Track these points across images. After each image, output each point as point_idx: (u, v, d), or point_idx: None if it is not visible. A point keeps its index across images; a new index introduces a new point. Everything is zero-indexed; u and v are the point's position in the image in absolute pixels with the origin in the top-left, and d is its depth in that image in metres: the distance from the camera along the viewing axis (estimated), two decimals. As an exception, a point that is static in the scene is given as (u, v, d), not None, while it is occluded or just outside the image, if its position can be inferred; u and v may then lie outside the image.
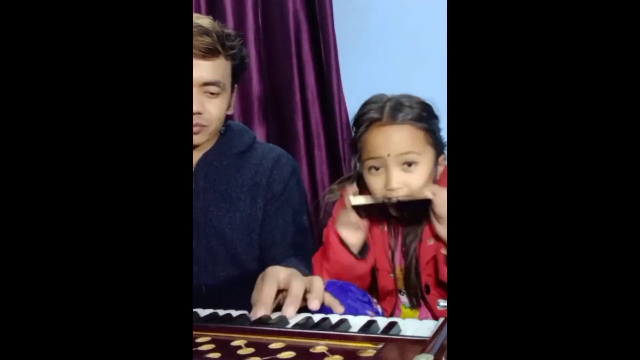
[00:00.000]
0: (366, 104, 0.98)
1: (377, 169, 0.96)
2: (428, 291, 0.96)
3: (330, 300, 0.74)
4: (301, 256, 1.00)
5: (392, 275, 1.00)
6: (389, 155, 0.93)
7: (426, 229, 0.95)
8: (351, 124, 1.02)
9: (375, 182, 0.96)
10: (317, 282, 0.72)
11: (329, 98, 1.60)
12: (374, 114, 0.96)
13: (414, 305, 1.00)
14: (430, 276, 0.95)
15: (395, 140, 0.94)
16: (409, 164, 0.94)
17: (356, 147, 1.00)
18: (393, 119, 0.94)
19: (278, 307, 0.73)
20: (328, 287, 0.89)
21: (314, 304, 0.68)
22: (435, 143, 0.97)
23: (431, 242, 0.94)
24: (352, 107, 1.63)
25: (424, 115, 0.96)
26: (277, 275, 0.73)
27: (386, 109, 0.95)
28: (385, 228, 1.01)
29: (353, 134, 1.02)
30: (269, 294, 0.69)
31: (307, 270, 0.96)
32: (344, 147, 1.63)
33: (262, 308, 0.68)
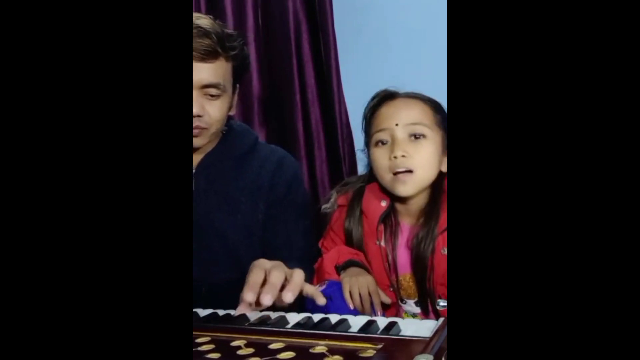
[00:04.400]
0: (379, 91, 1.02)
1: (384, 143, 0.95)
2: None
3: (312, 291, 0.75)
4: (303, 259, 0.99)
5: (391, 288, 0.97)
6: (397, 125, 0.93)
7: (440, 238, 0.92)
8: (364, 110, 1.02)
9: (381, 155, 0.95)
10: (297, 276, 0.73)
11: (329, 98, 1.60)
12: (389, 90, 0.99)
13: (426, 312, 0.98)
14: (443, 286, 0.93)
15: (405, 111, 0.94)
16: (417, 137, 0.93)
17: (366, 128, 1.00)
18: (406, 95, 0.98)
19: (275, 307, 0.73)
20: (329, 287, 0.90)
21: (287, 297, 0.69)
22: (444, 129, 0.97)
23: (445, 252, 0.91)
24: (352, 107, 1.64)
25: (434, 103, 0.98)
26: (263, 265, 0.75)
27: (401, 90, 0.99)
28: (382, 242, 0.98)
29: (364, 115, 1.02)
30: (256, 280, 0.71)
31: (309, 272, 0.96)
32: (344, 147, 1.62)
33: (249, 293, 0.70)
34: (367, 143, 1.00)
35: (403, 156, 0.92)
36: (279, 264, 0.75)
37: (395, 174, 0.93)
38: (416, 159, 0.92)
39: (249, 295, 0.69)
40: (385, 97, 0.98)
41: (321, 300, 0.75)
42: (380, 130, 0.95)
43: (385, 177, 0.95)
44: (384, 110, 0.97)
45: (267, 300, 0.68)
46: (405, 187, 0.93)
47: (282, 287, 0.72)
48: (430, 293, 0.94)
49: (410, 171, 0.92)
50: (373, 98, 1.00)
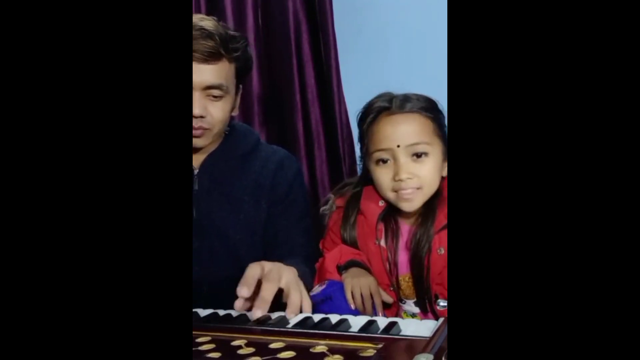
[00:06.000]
0: (373, 98, 0.99)
1: (384, 161, 0.94)
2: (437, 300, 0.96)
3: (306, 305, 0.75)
4: (304, 258, 1.00)
5: (392, 288, 0.98)
6: (398, 146, 0.92)
7: (436, 237, 0.93)
8: (357, 119, 1.00)
9: (383, 174, 0.94)
10: (293, 295, 0.73)
11: (329, 98, 1.60)
12: (383, 103, 0.96)
13: (425, 311, 0.98)
14: (440, 285, 0.93)
15: (405, 130, 0.93)
16: (419, 155, 0.92)
17: (363, 140, 0.99)
18: (402, 109, 0.95)
19: (276, 307, 0.73)
20: (330, 287, 0.90)
21: (290, 317, 0.70)
22: (443, 136, 0.96)
23: (441, 251, 0.92)
24: (352, 107, 1.64)
25: (430, 107, 0.96)
26: (260, 268, 0.74)
27: (395, 100, 0.96)
28: (382, 242, 0.98)
29: (359, 128, 1.00)
30: (252, 275, 0.71)
31: (310, 271, 0.96)
32: (344, 147, 1.62)
33: (244, 288, 0.70)
34: (365, 156, 0.99)
35: (409, 178, 0.92)
36: (275, 270, 0.75)
37: (399, 193, 0.93)
38: (421, 177, 0.92)
39: (243, 290, 0.70)
40: (380, 111, 0.96)
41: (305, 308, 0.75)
42: (380, 150, 0.94)
43: (388, 195, 0.95)
44: (381, 127, 0.95)
45: (257, 314, 0.68)
46: (411, 204, 0.94)
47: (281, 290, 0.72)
48: (428, 293, 0.94)
49: (415, 189, 0.93)
50: (368, 112, 0.98)
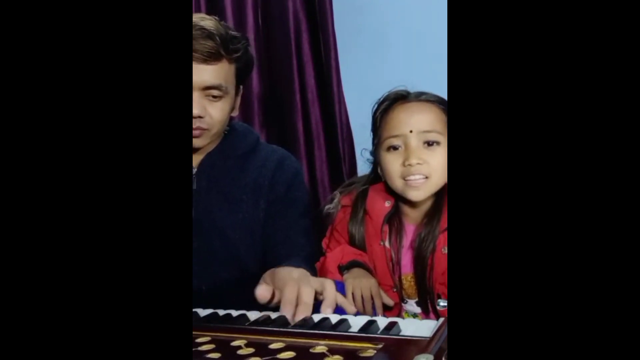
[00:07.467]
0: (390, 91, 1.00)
1: (396, 148, 0.94)
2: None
3: (342, 301, 0.75)
4: (303, 257, 0.99)
5: (395, 289, 0.98)
6: (411, 131, 0.92)
7: (441, 237, 0.92)
8: (372, 110, 1.00)
9: (392, 161, 0.94)
10: (330, 288, 0.72)
11: (329, 98, 1.60)
12: (400, 91, 0.97)
13: (426, 311, 0.98)
14: (443, 285, 0.93)
15: (419, 117, 0.93)
16: (430, 144, 0.92)
17: (375, 130, 0.99)
18: (418, 97, 0.96)
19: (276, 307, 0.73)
20: None
21: (327, 312, 0.69)
22: None
23: (445, 251, 0.92)
24: (352, 107, 1.64)
25: (446, 102, 0.96)
26: (294, 279, 0.73)
27: (412, 91, 0.97)
28: (387, 243, 0.98)
29: (372, 118, 1.00)
30: (292, 297, 0.69)
31: (311, 270, 0.96)
32: (344, 147, 1.63)
33: (289, 309, 0.68)
34: (376, 145, 0.99)
35: (418, 164, 0.91)
36: (303, 274, 0.75)
37: (408, 180, 0.93)
38: (431, 165, 0.92)
39: (289, 313, 0.68)
40: (396, 99, 0.97)
41: (351, 309, 0.74)
42: (393, 136, 0.94)
43: (396, 182, 0.95)
44: (395, 114, 0.95)
45: (300, 317, 0.67)
46: (418, 193, 0.93)
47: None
48: (430, 292, 0.94)
49: (424, 177, 0.92)
50: (384, 100, 0.99)
